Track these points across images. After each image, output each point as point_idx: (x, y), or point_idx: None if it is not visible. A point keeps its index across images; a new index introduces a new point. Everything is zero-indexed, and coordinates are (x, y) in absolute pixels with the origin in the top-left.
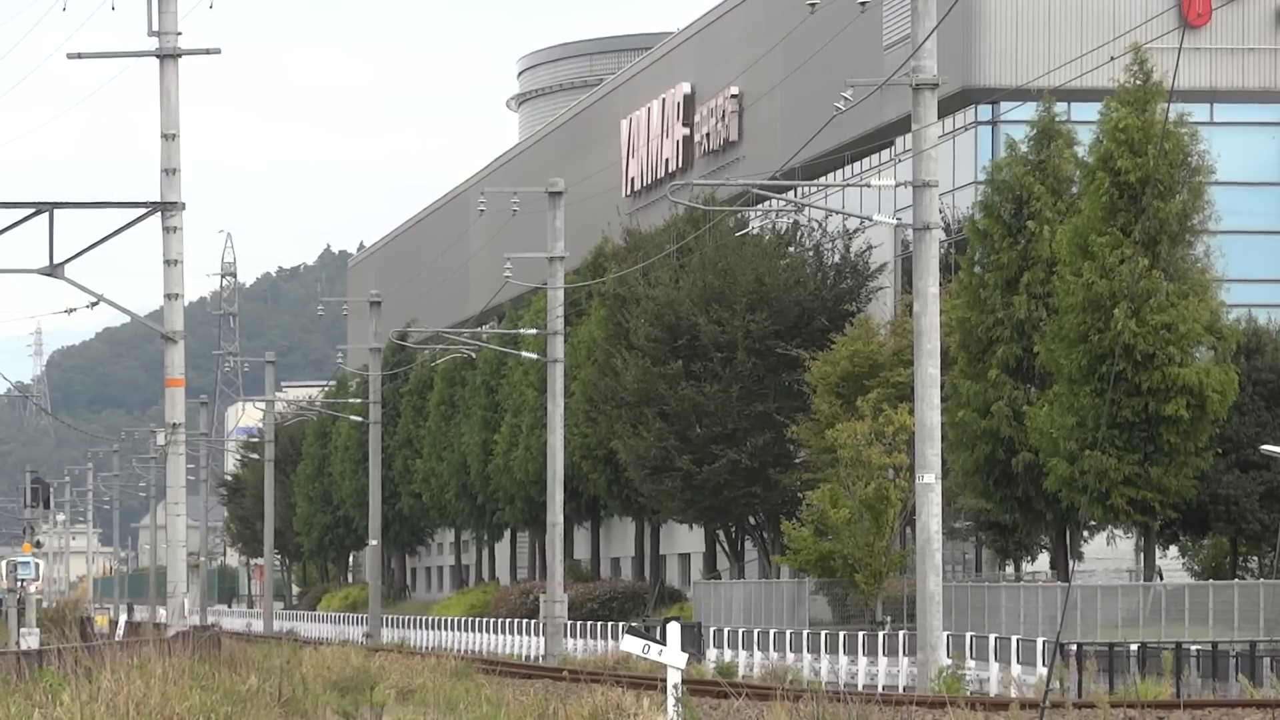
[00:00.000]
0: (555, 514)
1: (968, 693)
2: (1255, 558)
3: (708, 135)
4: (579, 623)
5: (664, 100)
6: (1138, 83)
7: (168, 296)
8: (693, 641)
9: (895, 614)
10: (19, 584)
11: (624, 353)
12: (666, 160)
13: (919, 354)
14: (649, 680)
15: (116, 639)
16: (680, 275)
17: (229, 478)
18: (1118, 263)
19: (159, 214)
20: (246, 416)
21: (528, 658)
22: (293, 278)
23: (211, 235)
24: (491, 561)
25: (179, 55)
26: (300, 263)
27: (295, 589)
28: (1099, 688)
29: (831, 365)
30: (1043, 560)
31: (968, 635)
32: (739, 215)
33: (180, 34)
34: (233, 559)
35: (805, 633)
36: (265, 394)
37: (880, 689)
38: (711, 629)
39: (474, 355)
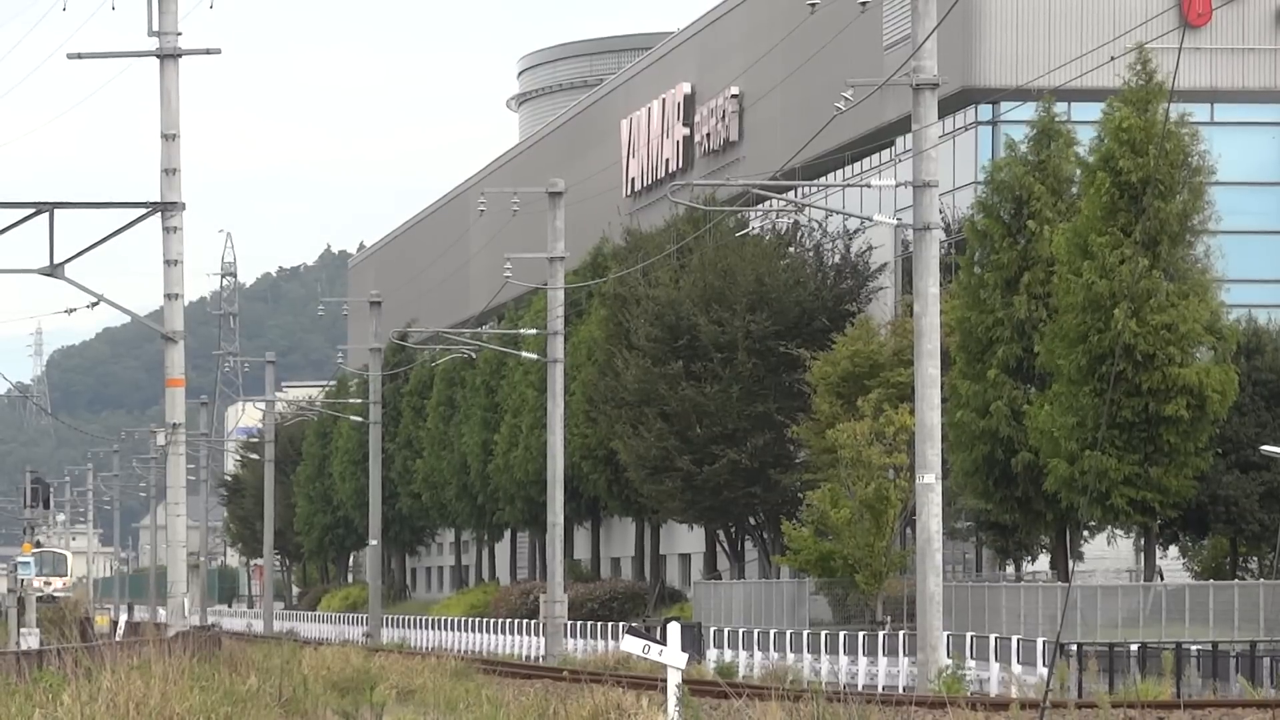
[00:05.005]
0: (555, 514)
1: (968, 693)
2: (1255, 558)
3: (708, 135)
4: (579, 623)
5: (664, 100)
6: (1140, 82)
7: (168, 296)
8: (693, 641)
9: (895, 614)
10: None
11: (624, 353)
12: (667, 160)
13: (919, 354)
14: (649, 680)
15: (116, 639)
16: (680, 275)
17: (229, 478)
18: (1118, 263)
19: (159, 214)
20: (246, 416)
21: (528, 658)
22: (293, 278)
23: (211, 235)
24: (491, 561)
25: (179, 55)
26: (300, 263)
27: (295, 589)
28: (1099, 688)
29: (832, 365)
30: (1043, 560)
31: (968, 635)
32: (739, 215)
33: (180, 34)
34: (233, 559)
35: (805, 633)
36: (265, 394)
37: (880, 689)
38: (711, 629)
39: (474, 355)
